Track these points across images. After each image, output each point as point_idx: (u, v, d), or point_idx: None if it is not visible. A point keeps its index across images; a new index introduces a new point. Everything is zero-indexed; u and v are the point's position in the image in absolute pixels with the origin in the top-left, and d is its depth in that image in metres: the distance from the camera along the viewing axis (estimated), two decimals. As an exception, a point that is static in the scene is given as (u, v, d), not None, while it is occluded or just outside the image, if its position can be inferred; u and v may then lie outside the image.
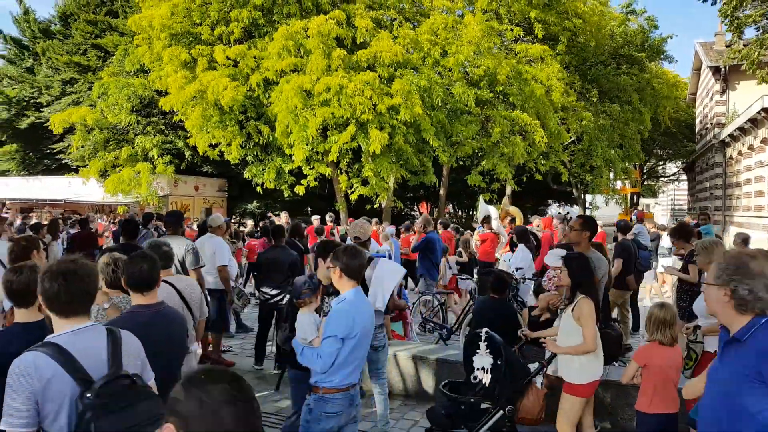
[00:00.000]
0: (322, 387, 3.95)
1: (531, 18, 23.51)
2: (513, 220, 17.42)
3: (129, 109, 22.81)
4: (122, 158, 23.28)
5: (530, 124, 19.82)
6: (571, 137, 26.36)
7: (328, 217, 15.73)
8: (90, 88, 26.06)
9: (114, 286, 4.21)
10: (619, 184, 41.12)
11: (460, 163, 22.78)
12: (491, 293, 6.59)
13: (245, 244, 13.88)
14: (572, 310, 4.76)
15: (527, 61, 21.97)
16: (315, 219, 15.79)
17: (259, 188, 21.21)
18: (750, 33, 22.95)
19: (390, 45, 18.09)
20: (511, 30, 22.36)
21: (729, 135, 26.77)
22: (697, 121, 38.59)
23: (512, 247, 11.93)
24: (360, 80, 17.12)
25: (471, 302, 9.84)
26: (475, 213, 27.94)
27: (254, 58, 18.99)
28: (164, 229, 12.74)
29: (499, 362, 4.90)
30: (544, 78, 20.74)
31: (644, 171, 50.49)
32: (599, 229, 7.14)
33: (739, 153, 26.18)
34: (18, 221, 17.89)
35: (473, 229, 19.16)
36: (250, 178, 21.04)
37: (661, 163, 54.51)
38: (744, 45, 23.04)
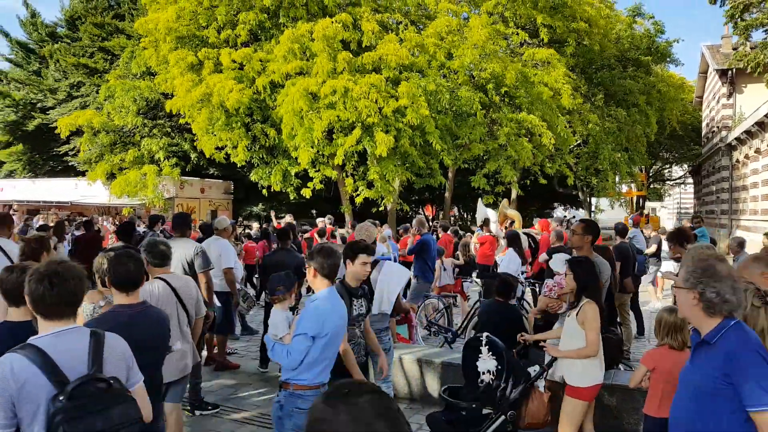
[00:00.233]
0: (293, 384, 3.98)
1: (537, 22, 23.50)
2: (512, 223, 17.41)
3: (135, 111, 22.91)
4: (128, 161, 23.36)
5: (537, 126, 19.79)
6: (577, 140, 26.33)
7: (327, 219, 15.81)
8: (97, 91, 26.18)
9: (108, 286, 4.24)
10: (624, 188, 41.03)
11: (465, 165, 22.79)
12: (496, 297, 6.57)
13: (242, 246, 13.89)
14: (577, 314, 4.76)
15: (533, 64, 21.95)
16: (320, 221, 15.85)
17: (264, 191, 21.23)
18: (757, 36, 22.90)
19: (395, 48, 18.09)
20: (517, 34, 22.34)
21: (736, 138, 26.70)
22: (704, 124, 38.47)
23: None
24: (366, 83, 17.13)
25: (476, 305, 9.83)
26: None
27: (260, 61, 19.02)
28: (169, 232, 12.83)
29: (500, 366, 4.88)
30: (552, 81, 20.71)
31: (650, 174, 50.36)
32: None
33: (746, 156, 26.11)
34: (20, 223, 17.92)
35: (472, 232, 19.19)
36: (257, 180, 21.05)
37: (667, 166, 54.37)
38: (751, 48, 22.97)
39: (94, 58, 30.26)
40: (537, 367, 5.12)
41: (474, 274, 12.57)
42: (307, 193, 19.67)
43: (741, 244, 10.39)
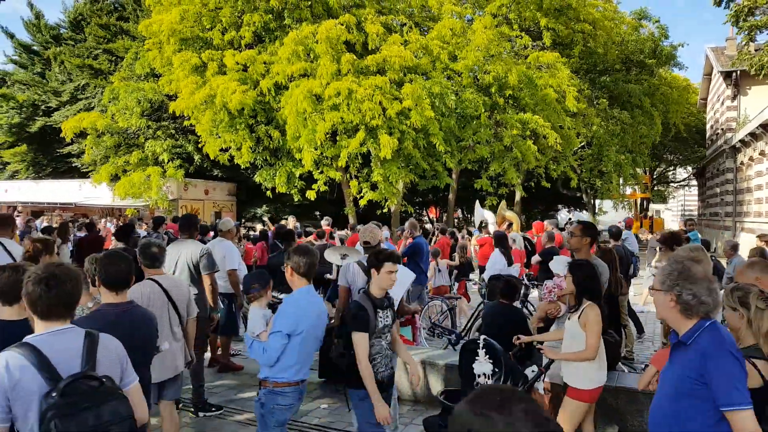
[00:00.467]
0: (272, 381, 4.11)
1: (541, 26, 23.50)
2: (510, 225, 17.43)
3: (139, 113, 22.95)
4: (132, 162, 23.39)
5: (543, 126, 19.78)
6: (581, 142, 26.31)
7: (324, 221, 15.86)
8: (101, 93, 26.23)
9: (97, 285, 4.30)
10: (628, 190, 41.00)
11: (469, 167, 22.78)
12: (500, 299, 6.56)
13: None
14: (579, 317, 4.75)
15: (537, 66, 21.94)
16: (327, 222, 15.90)
17: (269, 192, 21.24)
18: (761, 38, 22.87)
19: (399, 50, 18.09)
20: (521, 37, 22.34)
21: (740, 140, 26.64)
22: (708, 126, 38.41)
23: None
24: (370, 85, 17.13)
25: (480, 307, 9.82)
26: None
27: (264, 63, 19.04)
28: (174, 233, 12.86)
29: (497, 369, 4.86)
30: (556, 84, 20.70)
31: (654, 176, 50.32)
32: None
33: (750, 159, 26.06)
34: (23, 224, 17.93)
35: (470, 233, 19.19)
36: (261, 182, 21.06)
37: (671, 168, 54.33)
38: (755, 50, 22.93)
39: (98, 60, 30.33)
40: (535, 368, 5.11)
41: (472, 275, 12.56)
42: (311, 195, 19.68)
43: (734, 247, 10.63)
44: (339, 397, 7.12)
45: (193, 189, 27.61)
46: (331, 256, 8.42)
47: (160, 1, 20.97)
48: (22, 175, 34.10)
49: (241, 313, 9.18)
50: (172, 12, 19.72)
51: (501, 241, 10.71)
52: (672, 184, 60.24)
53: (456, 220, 28.55)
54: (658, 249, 12.94)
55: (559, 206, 45.55)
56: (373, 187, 19.36)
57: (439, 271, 11.58)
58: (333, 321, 6.74)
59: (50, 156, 33.06)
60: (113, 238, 13.25)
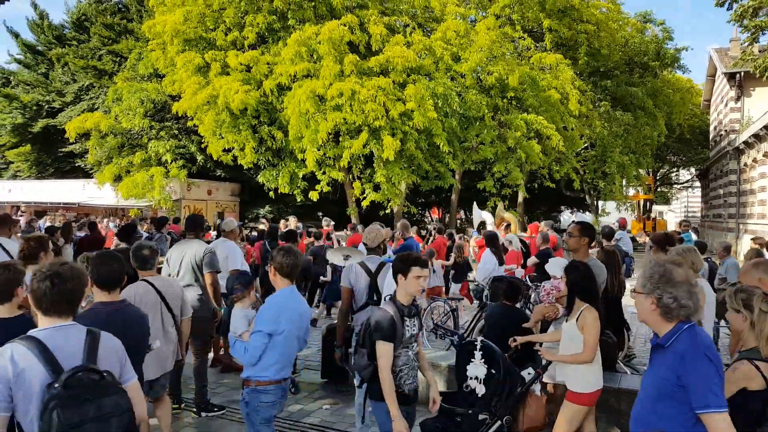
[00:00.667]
0: (254, 380, 4.14)
1: (544, 27, 23.48)
2: (508, 226, 17.44)
3: (142, 113, 22.98)
4: (136, 163, 23.41)
5: (547, 127, 19.78)
6: (584, 143, 26.29)
7: (324, 221, 15.90)
8: (105, 93, 26.28)
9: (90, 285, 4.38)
10: (632, 191, 40.95)
11: (472, 168, 22.78)
12: (503, 300, 6.56)
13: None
14: (576, 319, 4.74)
15: (540, 67, 21.93)
16: (327, 222, 15.92)
17: (271, 193, 21.24)
18: (764, 39, 22.83)
19: (402, 50, 18.09)
20: (523, 38, 22.32)
21: (744, 142, 26.61)
22: (712, 127, 38.36)
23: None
24: (373, 86, 17.13)
25: (484, 308, 9.81)
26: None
27: (267, 63, 19.05)
28: (177, 233, 12.88)
29: (493, 371, 4.82)
30: (560, 85, 20.69)
31: (657, 178, 50.26)
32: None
33: (754, 160, 26.01)
34: (25, 224, 17.96)
35: (466, 233, 19.19)
36: (264, 182, 21.07)
37: (674, 170, 54.28)
38: (759, 51, 22.90)
39: (102, 61, 30.38)
40: (531, 370, 5.09)
41: (471, 275, 12.57)
42: (314, 195, 19.67)
43: (727, 248, 10.80)
44: (341, 398, 7.12)
45: (196, 189, 27.64)
46: (334, 257, 8.43)
47: (164, 2, 21.00)
48: (24, 173, 34.18)
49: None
50: (175, 13, 19.74)
51: (492, 241, 10.83)
52: (675, 186, 60.21)
53: (459, 221, 28.57)
54: (648, 249, 13.00)
55: (562, 207, 45.54)
56: (376, 188, 19.36)
57: (434, 271, 11.57)
58: (336, 321, 6.75)
59: (53, 156, 33.14)
60: (115, 237, 13.31)
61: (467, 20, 22.64)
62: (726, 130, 31.44)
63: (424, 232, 18.61)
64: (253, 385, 4.15)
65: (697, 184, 51.01)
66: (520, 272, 11.25)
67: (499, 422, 4.75)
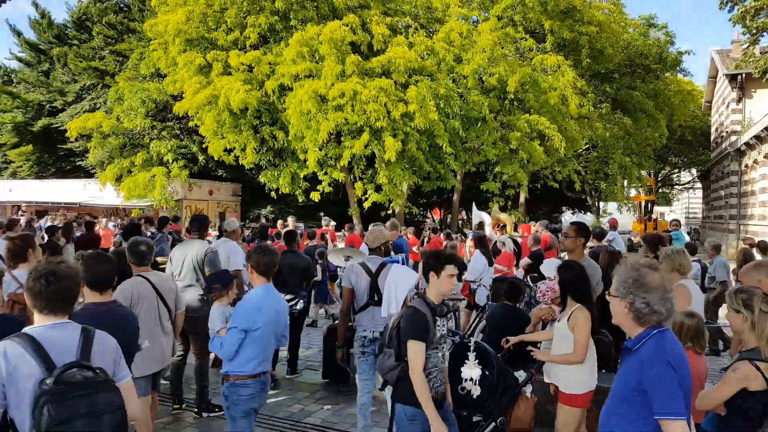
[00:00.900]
0: (233, 375, 4.30)
1: (545, 29, 23.47)
2: (504, 226, 17.47)
3: (144, 113, 22.98)
4: (138, 163, 23.42)
5: (549, 128, 19.78)
6: (586, 144, 26.29)
7: (324, 221, 15.93)
8: (106, 93, 26.29)
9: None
10: (633, 192, 40.95)
11: (474, 169, 22.77)
12: (505, 300, 6.57)
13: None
14: (568, 320, 4.72)
15: (542, 69, 21.92)
16: (326, 222, 15.95)
17: (273, 193, 21.24)
18: (766, 41, 22.83)
19: (404, 51, 18.08)
20: (525, 39, 22.32)
21: (745, 143, 26.60)
22: (713, 129, 38.35)
23: (495, 253, 12.15)
24: (374, 86, 17.12)
25: (484, 308, 9.82)
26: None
27: (269, 64, 19.04)
28: (177, 234, 12.90)
29: (487, 373, 4.80)
30: (561, 87, 20.67)
31: (659, 179, 50.26)
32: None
33: (755, 161, 26.01)
34: (23, 222, 18.00)
35: (464, 234, 19.19)
36: (265, 182, 21.07)
37: (675, 171, 54.27)
38: (761, 53, 22.89)
39: (104, 60, 30.40)
40: (522, 372, 5.09)
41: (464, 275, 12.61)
42: (315, 196, 19.64)
43: (716, 247, 10.96)
44: (342, 398, 7.13)
45: (198, 189, 27.64)
46: (335, 257, 8.44)
47: (166, 2, 21.01)
48: (24, 172, 34.19)
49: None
50: (177, 13, 19.74)
51: (481, 241, 10.98)
52: (676, 187, 60.19)
53: (460, 222, 28.56)
54: (638, 248, 13.08)
55: (564, 208, 45.52)
56: (378, 188, 19.36)
57: None
58: (336, 321, 6.76)
59: (55, 155, 33.16)
60: (119, 236, 13.35)
61: (470, 21, 22.62)
62: (727, 132, 31.42)
63: (426, 233, 18.62)
64: (232, 380, 4.30)
65: (699, 185, 51.02)
66: (520, 273, 11.28)
67: (493, 424, 4.76)
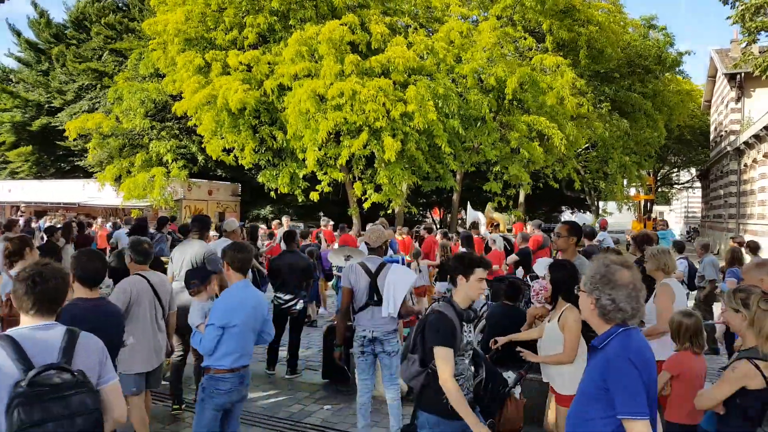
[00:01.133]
0: (213, 368, 4.41)
1: (544, 29, 23.47)
2: (497, 225, 17.49)
3: (143, 113, 22.94)
4: (137, 163, 23.40)
5: (549, 127, 19.77)
6: (585, 143, 26.29)
7: (323, 221, 15.95)
8: (105, 94, 26.27)
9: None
10: (632, 191, 40.97)
11: (474, 169, 22.76)
12: (504, 300, 6.57)
13: None
14: (558, 319, 4.68)
15: (541, 69, 21.90)
16: (325, 222, 15.96)
17: (272, 193, 21.22)
18: (765, 40, 22.82)
19: (403, 51, 18.07)
20: (525, 38, 22.29)
21: (744, 142, 26.62)
22: (712, 128, 38.39)
23: (487, 252, 12.22)
24: (373, 86, 17.11)
25: (484, 308, 9.82)
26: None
27: (268, 63, 19.03)
28: (178, 234, 12.91)
29: (478, 374, 4.80)
30: (559, 87, 20.65)
31: (658, 178, 50.27)
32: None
33: (754, 161, 26.03)
34: (22, 222, 18.01)
35: (457, 232, 19.20)
36: (264, 182, 21.05)
37: (675, 170, 54.29)
38: (760, 52, 22.90)
39: (103, 61, 30.38)
40: (511, 373, 5.08)
41: None
42: (314, 196, 19.62)
43: (705, 246, 11.09)
44: (342, 398, 7.13)
45: (197, 189, 27.61)
46: (335, 257, 8.44)
47: (165, 1, 20.99)
48: (23, 172, 34.18)
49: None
50: (176, 12, 19.71)
51: (468, 240, 11.13)
52: (676, 186, 60.21)
53: (460, 221, 28.51)
54: (626, 247, 13.16)
55: (563, 207, 45.51)
56: (377, 188, 19.34)
57: (420, 271, 11.61)
58: (333, 320, 6.76)
59: (53, 155, 33.15)
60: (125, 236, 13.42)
61: (469, 20, 22.60)
62: (726, 131, 31.45)
63: (423, 233, 18.62)
64: (212, 373, 4.42)
65: (698, 184, 51.04)
66: (520, 272, 11.31)
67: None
